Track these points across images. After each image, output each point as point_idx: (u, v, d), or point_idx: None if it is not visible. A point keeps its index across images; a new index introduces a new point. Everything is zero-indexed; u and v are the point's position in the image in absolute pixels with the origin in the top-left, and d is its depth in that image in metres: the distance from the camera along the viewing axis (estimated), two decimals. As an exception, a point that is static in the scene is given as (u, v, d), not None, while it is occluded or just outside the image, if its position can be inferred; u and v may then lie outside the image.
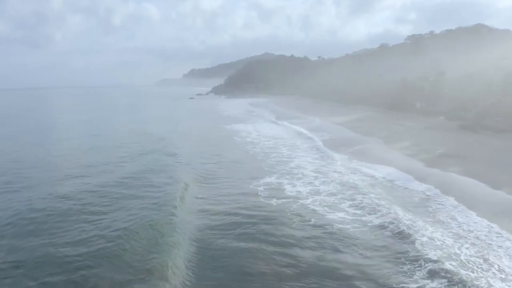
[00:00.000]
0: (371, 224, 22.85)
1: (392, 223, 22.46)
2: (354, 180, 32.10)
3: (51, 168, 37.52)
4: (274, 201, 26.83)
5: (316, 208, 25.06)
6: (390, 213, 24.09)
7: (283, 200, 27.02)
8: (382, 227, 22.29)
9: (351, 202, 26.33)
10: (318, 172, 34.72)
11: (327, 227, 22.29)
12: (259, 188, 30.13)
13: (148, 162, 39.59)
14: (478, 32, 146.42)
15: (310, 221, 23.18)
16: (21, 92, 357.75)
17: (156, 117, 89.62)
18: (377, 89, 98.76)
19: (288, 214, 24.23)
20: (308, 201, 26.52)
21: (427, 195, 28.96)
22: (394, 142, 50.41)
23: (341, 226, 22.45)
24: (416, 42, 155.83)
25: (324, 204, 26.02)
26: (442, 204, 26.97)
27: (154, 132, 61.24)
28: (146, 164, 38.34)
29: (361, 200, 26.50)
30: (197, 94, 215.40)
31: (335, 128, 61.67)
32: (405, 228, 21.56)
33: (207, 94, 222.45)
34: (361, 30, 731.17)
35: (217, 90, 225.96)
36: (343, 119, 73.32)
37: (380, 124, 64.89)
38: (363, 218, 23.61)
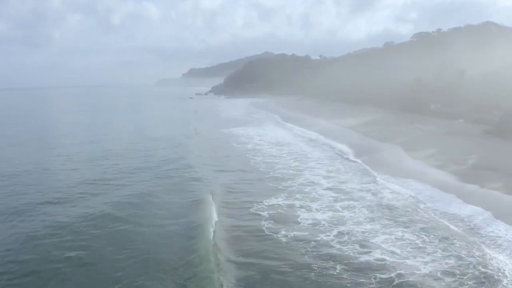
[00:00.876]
0: (421, 272, 16.75)
1: (455, 270, 16.37)
2: (382, 200, 26.05)
3: (45, 185, 30.78)
4: (282, 235, 20.65)
5: (343, 247, 18.90)
6: (444, 252, 18.02)
7: (296, 233, 20.80)
8: (436, 276, 16.21)
9: (387, 236, 20.20)
10: (336, 191, 28.58)
11: (360, 279, 16.19)
12: (262, 214, 23.95)
13: (145, 178, 33.24)
14: (487, 30, 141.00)
15: (335, 268, 17.07)
16: (20, 92, 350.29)
17: (155, 120, 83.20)
18: (386, 89, 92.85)
19: (305, 257, 18.04)
20: (331, 235, 20.31)
21: (477, 221, 22.94)
22: (414, 149, 44.26)
23: (381, 277, 16.33)
24: (423, 40, 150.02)
25: (354, 238, 19.85)
26: (501, 233, 21.01)
27: (152, 137, 55.18)
28: (144, 183, 31.82)
29: (400, 233, 20.39)
30: (196, 94, 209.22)
31: (345, 133, 55.49)
32: (477, 276, 15.46)
33: (206, 94, 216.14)
34: (362, 29, 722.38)
35: (216, 90, 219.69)
36: (352, 121, 67.17)
37: (395, 128, 58.75)
38: (409, 262, 17.51)
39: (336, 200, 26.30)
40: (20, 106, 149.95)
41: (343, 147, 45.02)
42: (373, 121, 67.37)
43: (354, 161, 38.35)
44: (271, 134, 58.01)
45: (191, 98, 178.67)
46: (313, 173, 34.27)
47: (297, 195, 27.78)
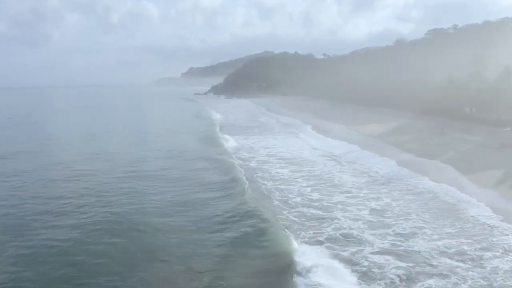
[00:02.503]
0: None
1: None
2: (492, 278, 15.16)
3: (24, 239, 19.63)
4: None
5: None
6: None
7: None
8: None
9: None
10: (401, 255, 17.54)
11: None
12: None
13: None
14: (506, 26, 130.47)
15: None
16: (19, 91, 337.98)
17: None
18: (405, 90, 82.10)
19: None
20: None
21: None
22: (472, 170, 33.25)
23: None
24: (438, 37, 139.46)
25: None
26: None
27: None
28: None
29: None
30: (194, 94, 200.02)
31: (373, 145, 44.25)
32: None
33: (205, 94, 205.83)
34: (362, 29, 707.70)
35: (216, 90, 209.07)
36: (376, 128, 56.13)
37: (432, 138, 47.78)
38: None
39: (409, 280, 15.29)
40: (16, 106, 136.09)
41: (380, 168, 33.77)
42: (401, 129, 56.39)
43: (406, 191, 27.28)
44: (281, 145, 46.80)
45: (189, 98, 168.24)
46: (350, 213, 23.27)
47: (334, 267, 16.78)
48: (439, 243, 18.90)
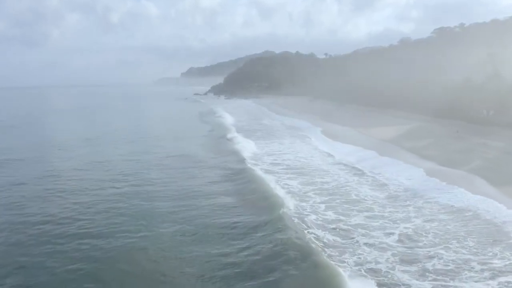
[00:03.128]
0: None
1: None
2: None
3: None
4: None
5: None
6: None
7: None
8: None
9: None
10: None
11: None
12: None
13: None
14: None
15: None
16: (19, 91, 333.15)
17: (157, 126, 69.74)
18: (414, 91, 78.62)
19: None
20: None
21: None
22: (504, 181, 29.57)
23: None
24: (445, 36, 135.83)
25: None
26: None
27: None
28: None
29: None
30: (194, 94, 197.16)
31: (390, 151, 40.32)
32: None
33: (205, 94, 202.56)
34: (362, 29, 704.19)
35: (216, 90, 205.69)
36: (388, 132, 52.42)
37: (450, 143, 44.12)
38: None
39: None
40: (16, 107, 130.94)
41: (404, 178, 29.92)
42: (414, 132, 52.67)
43: (438, 209, 23.55)
44: (288, 152, 42.95)
45: (187, 98, 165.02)
46: (375, 240, 19.56)
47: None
48: (493, 283, 15.24)
